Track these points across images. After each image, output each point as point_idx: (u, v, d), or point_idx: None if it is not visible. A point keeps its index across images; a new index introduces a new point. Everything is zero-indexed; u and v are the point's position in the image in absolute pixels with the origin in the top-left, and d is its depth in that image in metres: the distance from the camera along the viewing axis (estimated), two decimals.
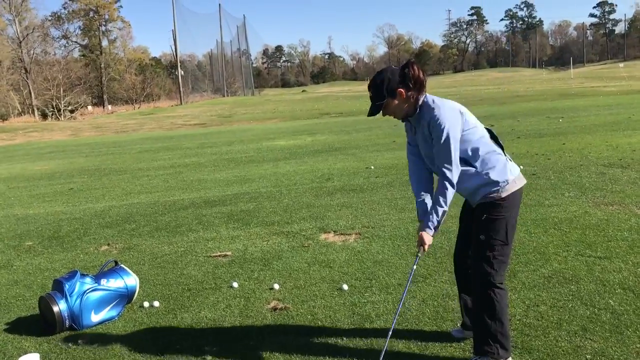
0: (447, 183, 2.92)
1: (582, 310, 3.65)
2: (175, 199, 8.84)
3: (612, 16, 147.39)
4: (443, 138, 2.88)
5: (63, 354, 3.63)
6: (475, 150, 2.97)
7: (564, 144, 11.23)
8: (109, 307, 4.15)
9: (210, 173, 11.49)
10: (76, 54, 77.60)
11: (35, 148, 23.89)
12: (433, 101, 2.99)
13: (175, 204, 8.40)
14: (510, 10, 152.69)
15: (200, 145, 18.28)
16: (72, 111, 53.05)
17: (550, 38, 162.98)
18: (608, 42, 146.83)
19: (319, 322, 3.82)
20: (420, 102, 3.01)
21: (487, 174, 2.96)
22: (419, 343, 3.38)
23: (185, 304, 4.34)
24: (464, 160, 2.96)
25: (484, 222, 2.98)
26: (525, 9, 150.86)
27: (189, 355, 3.47)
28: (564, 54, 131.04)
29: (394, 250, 5.23)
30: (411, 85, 2.98)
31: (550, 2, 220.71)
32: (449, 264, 4.68)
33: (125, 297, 4.27)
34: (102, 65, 74.00)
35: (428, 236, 3.02)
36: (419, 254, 3.07)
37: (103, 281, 4.20)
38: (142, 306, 4.34)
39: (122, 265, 4.45)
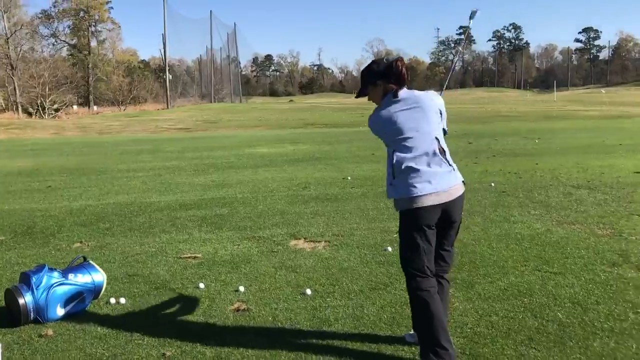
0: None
1: (531, 321, 3.81)
2: (151, 200, 8.91)
3: (596, 42, 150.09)
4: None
5: (26, 345, 3.70)
6: (390, 160, 3.28)
7: (537, 164, 11.50)
8: (75, 302, 4.23)
9: (189, 177, 11.56)
10: (64, 53, 77.25)
11: (16, 145, 23.74)
12: (378, 109, 3.34)
13: (151, 205, 8.47)
14: (498, 31, 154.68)
15: (182, 149, 18.33)
16: (56, 110, 52.70)
17: (536, 60, 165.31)
18: (592, 68, 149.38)
19: (279, 324, 3.93)
20: (386, 96, 3.32)
21: (396, 184, 3.25)
22: (373, 345, 3.52)
23: (151, 302, 4.43)
24: (389, 165, 3.32)
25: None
26: (512, 30, 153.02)
27: (150, 350, 3.57)
28: (549, 76, 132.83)
29: (360, 259, 5.37)
30: (392, 80, 3.30)
31: (537, 25, 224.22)
32: None
33: (92, 293, 4.35)
34: (90, 66, 73.66)
35: None
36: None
37: (70, 276, 4.27)
38: (108, 302, 4.42)
39: (90, 261, 4.53)
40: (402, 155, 3.20)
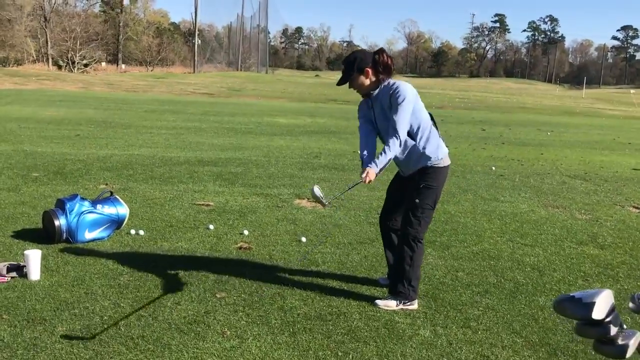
0: (395, 138, 3.55)
1: (492, 278, 4.38)
2: (172, 155, 9.57)
3: (634, 41, 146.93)
4: (401, 103, 3.53)
5: (59, 258, 4.38)
6: (419, 127, 3.65)
7: (542, 154, 11.94)
8: (101, 229, 4.89)
9: (209, 138, 12.21)
10: (97, 8, 77.97)
11: (46, 95, 24.60)
12: (394, 83, 3.67)
13: (172, 159, 9.14)
14: (534, 22, 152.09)
15: (205, 113, 18.98)
16: (86, 65, 53.73)
17: (570, 55, 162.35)
18: (627, 67, 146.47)
19: (274, 262, 4.56)
20: (383, 82, 3.69)
21: (424, 148, 3.67)
22: (351, 284, 4.12)
23: (166, 236, 5.09)
24: (409, 134, 3.65)
25: (421, 189, 3.69)
26: (549, 22, 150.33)
27: (163, 272, 4.21)
28: (582, 73, 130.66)
29: (355, 219, 5.96)
30: (380, 69, 3.67)
31: (574, 20, 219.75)
32: None
33: (115, 223, 5.01)
34: (121, 24, 74.37)
35: (372, 171, 3.56)
36: (359, 181, 3.64)
37: (98, 206, 4.93)
38: (129, 233, 5.08)
39: (116, 196, 5.18)
40: (428, 121, 3.69)
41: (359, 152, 3.86)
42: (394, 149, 3.58)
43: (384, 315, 3.59)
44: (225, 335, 3.24)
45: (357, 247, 5.00)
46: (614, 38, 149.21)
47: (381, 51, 3.71)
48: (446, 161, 3.75)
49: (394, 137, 3.57)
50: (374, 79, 3.70)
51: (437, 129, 3.80)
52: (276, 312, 3.58)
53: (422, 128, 3.66)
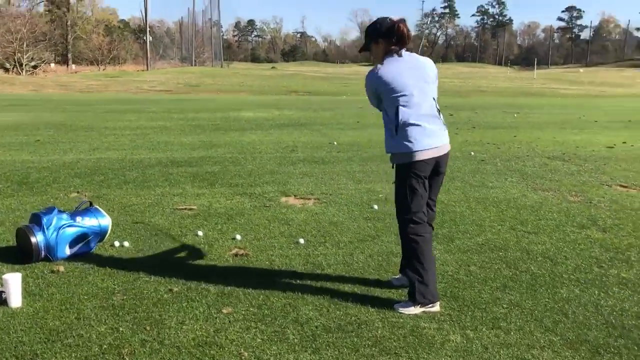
0: None
1: (506, 271, 4.19)
2: (142, 157, 9.10)
3: (579, 22, 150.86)
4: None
5: (40, 279, 3.97)
6: (395, 116, 3.43)
7: (515, 136, 11.93)
8: (82, 243, 4.48)
9: (176, 137, 11.73)
10: (41, 8, 75.05)
11: None
12: (383, 65, 3.47)
13: (142, 161, 8.67)
14: (483, 6, 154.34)
15: (167, 110, 18.38)
16: (34, 67, 51.70)
17: (518, 37, 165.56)
18: (573, 47, 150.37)
19: (276, 267, 4.26)
20: (389, 55, 3.50)
21: (398, 139, 3.45)
22: (363, 288, 3.86)
23: (153, 246, 4.72)
24: (391, 121, 3.48)
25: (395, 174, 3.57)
26: (497, 6, 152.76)
27: (157, 287, 3.86)
28: (530, 54, 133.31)
29: (349, 214, 5.70)
30: (394, 40, 3.48)
31: (521, 2, 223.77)
32: (394, 227, 5.16)
33: (98, 235, 4.61)
34: (69, 23, 71.86)
35: None
36: None
37: (78, 219, 4.52)
38: (113, 245, 4.69)
39: (96, 207, 4.77)
40: (407, 111, 3.39)
41: None
42: None
43: (408, 321, 3.34)
44: (242, 357, 2.93)
45: (359, 245, 4.74)
46: (560, 19, 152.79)
47: (400, 21, 3.51)
48: (425, 156, 3.43)
49: None
50: (384, 49, 3.53)
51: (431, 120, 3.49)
52: (292, 325, 3.30)
53: (397, 118, 3.43)
